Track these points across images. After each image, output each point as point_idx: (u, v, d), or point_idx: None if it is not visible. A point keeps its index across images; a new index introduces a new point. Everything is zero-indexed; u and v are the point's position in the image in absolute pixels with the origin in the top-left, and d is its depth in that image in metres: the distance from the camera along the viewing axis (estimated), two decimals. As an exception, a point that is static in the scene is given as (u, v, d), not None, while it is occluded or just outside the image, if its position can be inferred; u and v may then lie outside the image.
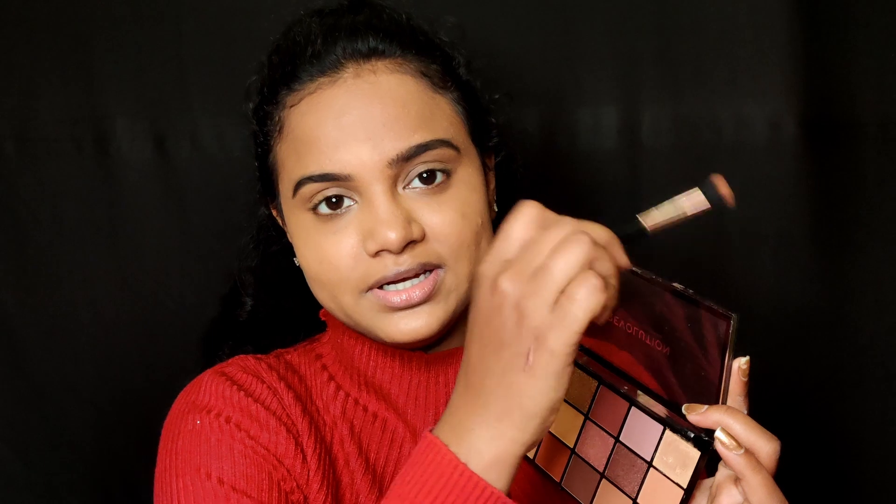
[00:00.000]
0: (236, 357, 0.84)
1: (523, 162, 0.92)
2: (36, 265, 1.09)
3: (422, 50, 0.81)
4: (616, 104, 1.11)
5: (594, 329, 0.75)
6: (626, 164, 1.12)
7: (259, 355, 0.86)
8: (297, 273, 0.87)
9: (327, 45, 0.79)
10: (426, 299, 0.78)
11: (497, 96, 0.88)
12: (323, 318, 0.90)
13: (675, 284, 0.68)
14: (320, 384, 0.85)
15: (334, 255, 0.77)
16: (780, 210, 1.13)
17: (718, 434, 0.66)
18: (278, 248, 0.91)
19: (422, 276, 0.78)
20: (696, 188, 0.67)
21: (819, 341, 1.16)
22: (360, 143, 0.76)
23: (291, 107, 0.79)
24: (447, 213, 0.78)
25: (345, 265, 0.77)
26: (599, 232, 0.61)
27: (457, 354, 0.84)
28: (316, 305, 0.92)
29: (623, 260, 0.63)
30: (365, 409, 0.84)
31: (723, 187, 0.67)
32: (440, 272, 0.78)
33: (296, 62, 0.79)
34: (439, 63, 0.81)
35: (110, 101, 1.07)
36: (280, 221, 0.88)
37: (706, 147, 1.11)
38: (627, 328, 0.73)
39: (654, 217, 0.67)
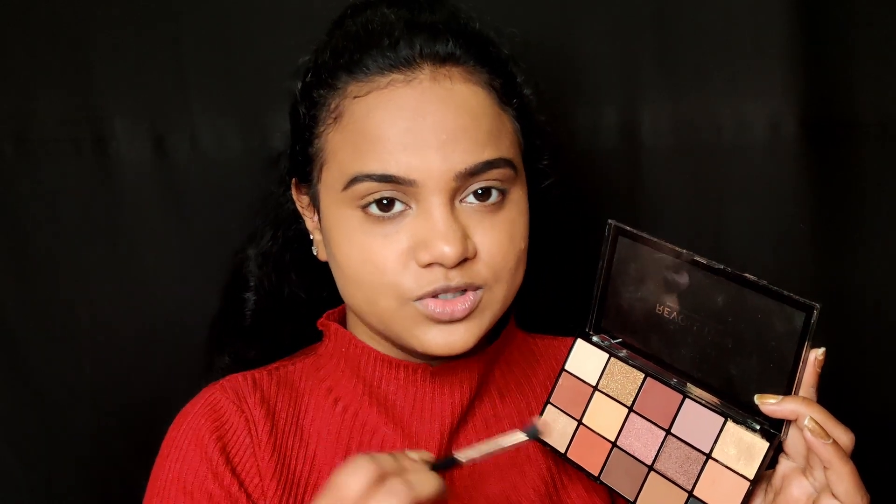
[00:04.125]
0: (225, 379, 0.85)
1: (561, 193, 0.93)
2: (35, 265, 1.08)
3: (492, 62, 0.80)
4: (616, 104, 1.11)
5: (636, 320, 0.76)
6: (625, 164, 1.12)
7: (249, 372, 0.86)
8: (312, 262, 0.87)
9: (406, 39, 0.77)
10: (467, 315, 0.77)
11: (543, 118, 0.88)
12: (321, 328, 0.89)
13: (748, 275, 0.69)
14: (317, 398, 0.85)
15: (381, 259, 0.76)
16: (780, 210, 1.13)
17: (807, 423, 0.66)
18: (295, 233, 0.91)
19: (463, 291, 0.78)
20: (519, 431, 0.72)
21: (818, 341, 1.15)
22: (431, 151, 0.74)
23: (356, 97, 0.77)
24: (497, 235, 0.78)
25: (391, 270, 0.76)
26: (429, 486, 0.65)
27: (461, 367, 0.84)
28: (320, 303, 0.92)
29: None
30: (364, 424, 0.83)
31: (543, 428, 0.73)
32: (479, 291, 0.78)
33: (367, 50, 0.77)
34: (504, 78, 0.81)
35: (109, 102, 1.07)
36: (301, 207, 0.88)
37: (706, 147, 1.11)
38: (678, 320, 0.74)
39: (470, 454, 0.71)
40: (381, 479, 0.63)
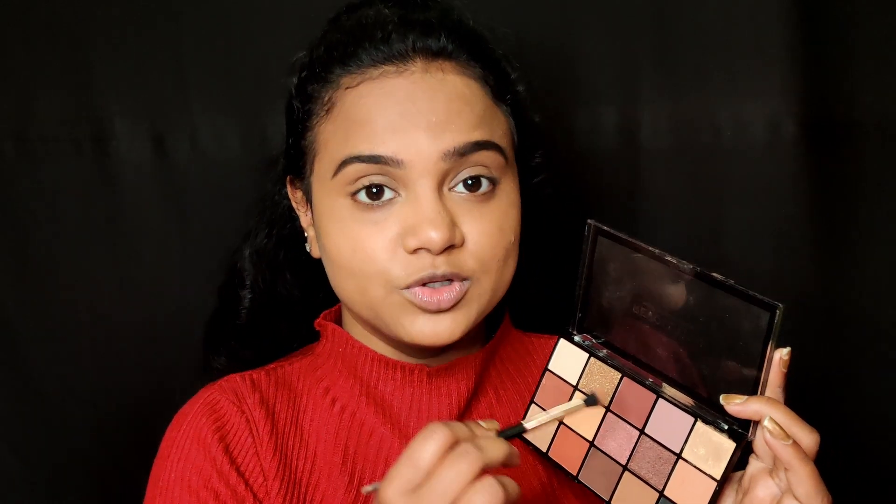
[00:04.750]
0: (224, 379, 0.85)
1: (558, 192, 0.93)
2: (35, 265, 1.09)
3: (485, 59, 0.81)
4: (615, 104, 1.11)
5: (616, 319, 0.77)
6: (625, 164, 1.12)
7: (247, 373, 0.86)
8: (306, 260, 0.87)
9: (399, 33, 0.78)
10: (454, 306, 0.78)
11: (537, 119, 0.88)
12: (318, 328, 0.89)
13: (716, 274, 0.69)
14: (315, 398, 0.85)
15: (371, 246, 0.77)
16: (780, 210, 1.13)
17: (766, 423, 0.66)
18: (290, 231, 0.91)
19: (450, 281, 0.78)
20: (581, 402, 0.75)
21: (818, 341, 1.15)
22: (420, 132, 0.75)
23: (347, 88, 0.78)
24: (486, 225, 0.78)
25: (380, 257, 0.77)
26: (499, 452, 0.65)
27: (458, 366, 0.84)
28: (315, 302, 0.92)
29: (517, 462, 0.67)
30: (361, 424, 0.83)
31: (601, 396, 0.76)
32: (465, 283, 0.78)
33: (361, 44, 0.78)
34: (497, 74, 0.82)
35: (109, 101, 1.07)
36: (295, 203, 0.88)
37: (705, 147, 1.11)
38: (654, 320, 0.74)
39: (533, 422, 0.73)
40: (455, 444, 0.63)
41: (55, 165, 1.07)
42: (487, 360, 0.88)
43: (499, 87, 0.81)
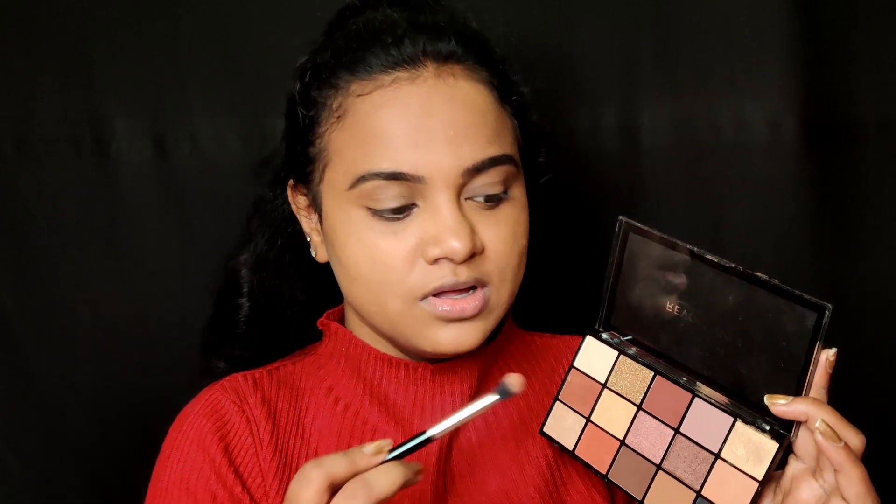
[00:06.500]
0: (226, 379, 0.85)
1: (560, 192, 0.93)
2: (34, 265, 1.08)
3: (490, 61, 0.81)
4: (615, 104, 1.11)
5: (646, 317, 0.76)
6: (625, 164, 1.12)
7: (249, 372, 0.86)
8: (311, 264, 0.87)
9: (410, 38, 0.77)
10: (476, 314, 0.78)
11: (537, 116, 0.88)
12: (321, 328, 0.89)
13: (759, 274, 0.69)
14: (317, 397, 0.85)
15: (391, 257, 0.76)
16: (780, 210, 1.13)
17: (818, 425, 0.65)
18: (290, 236, 0.91)
19: (471, 290, 0.78)
20: (496, 395, 0.68)
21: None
22: (439, 147, 0.75)
23: (359, 96, 0.77)
24: (501, 231, 0.78)
25: (401, 268, 0.76)
26: (390, 482, 0.62)
27: (461, 364, 0.85)
28: (319, 303, 0.92)
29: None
30: (364, 422, 0.83)
31: (514, 384, 0.69)
32: (486, 290, 0.78)
33: (370, 48, 0.78)
34: (501, 76, 0.82)
35: (109, 102, 1.07)
36: (297, 208, 0.88)
37: (705, 147, 1.11)
38: (689, 318, 0.73)
39: (442, 427, 0.67)
40: (332, 485, 0.62)
41: (55, 166, 1.07)
42: (491, 358, 0.88)
43: (503, 88, 0.81)
